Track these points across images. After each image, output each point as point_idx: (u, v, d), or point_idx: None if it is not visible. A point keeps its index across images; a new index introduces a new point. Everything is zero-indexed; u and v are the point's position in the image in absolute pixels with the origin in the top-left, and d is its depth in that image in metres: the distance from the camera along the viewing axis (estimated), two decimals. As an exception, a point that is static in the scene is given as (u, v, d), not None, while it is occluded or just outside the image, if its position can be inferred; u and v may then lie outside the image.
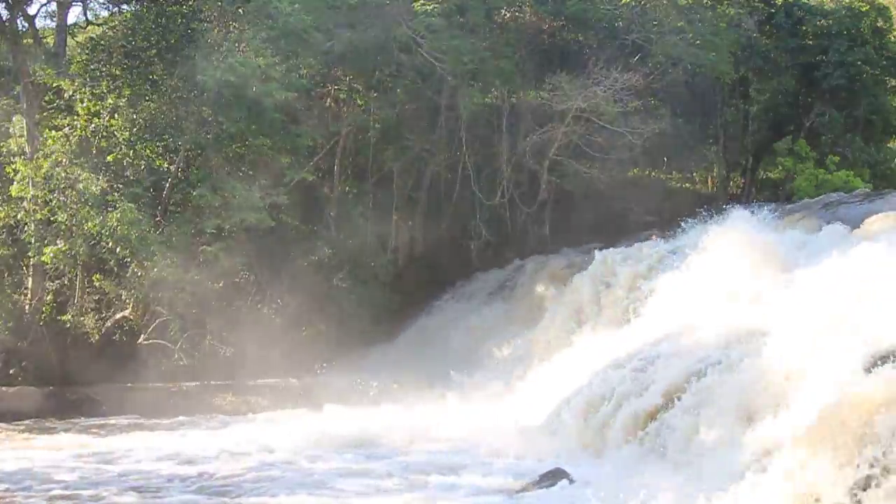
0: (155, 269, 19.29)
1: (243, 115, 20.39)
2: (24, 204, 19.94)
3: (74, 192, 19.35)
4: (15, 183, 19.94)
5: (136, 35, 20.40)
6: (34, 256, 20.01)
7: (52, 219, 19.90)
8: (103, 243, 19.25)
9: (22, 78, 20.54)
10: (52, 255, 19.39)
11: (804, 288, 12.74)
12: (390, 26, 24.49)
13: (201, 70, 19.62)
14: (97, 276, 20.06)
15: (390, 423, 16.76)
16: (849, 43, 30.22)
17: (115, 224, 18.74)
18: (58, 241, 19.53)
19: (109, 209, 19.12)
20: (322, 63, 24.28)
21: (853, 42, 30.30)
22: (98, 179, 19.41)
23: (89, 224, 18.97)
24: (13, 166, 20.11)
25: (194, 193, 19.91)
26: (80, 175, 19.41)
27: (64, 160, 19.71)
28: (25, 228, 20.29)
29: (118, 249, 19.13)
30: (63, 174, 19.47)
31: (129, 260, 19.53)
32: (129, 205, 19.06)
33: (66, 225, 19.45)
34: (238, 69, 19.70)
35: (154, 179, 20.67)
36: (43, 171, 19.54)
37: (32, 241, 19.96)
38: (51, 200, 19.66)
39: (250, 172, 21.16)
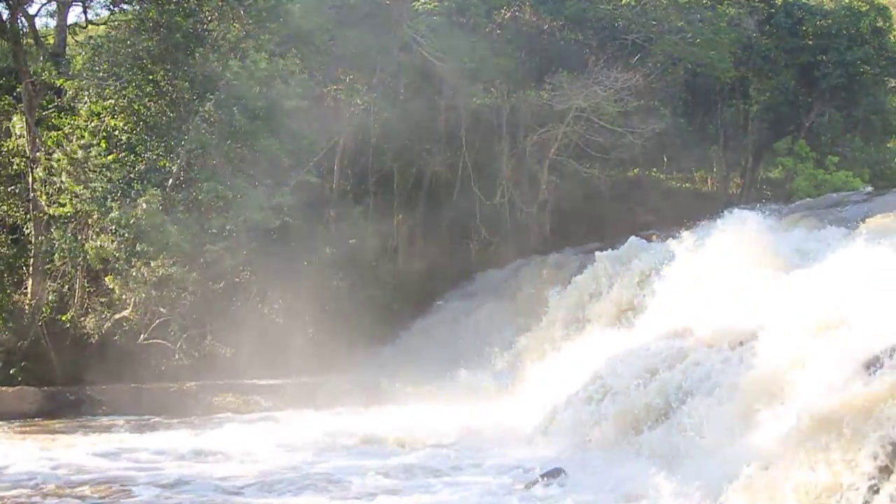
0: (161, 270, 19.30)
1: (251, 114, 20.41)
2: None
3: (96, 186, 19.28)
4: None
5: (139, 34, 20.39)
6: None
7: (71, 211, 19.83)
8: (121, 236, 19.17)
9: (22, 78, 20.53)
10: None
11: (804, 287, 12.75)
12: (391, 26, 24.51)
13: (212, 70, 19.59)
14: (110, 276, 20.01)
15: (390, 422, 16.77)
16: (848, 43, 30.28)
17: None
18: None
19: (129, 200, 19.12)
20: (323, 63, 24.31)
21: (853, 42, 30.36)
22: (118, 170, 19.39)
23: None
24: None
25: (203, 187, 19.88)
26: (106, 162, 19.39)
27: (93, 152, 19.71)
28: (27, 228, 20.29)
29: (138, 245, 19.09)
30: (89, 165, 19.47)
31: (135, 259, 19.52)
32: (154, 191, 19.05)
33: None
34: (254, 69, 19.74)
35: (159, 179, 20.69)
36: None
37: (45, 238, 19.92)
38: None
39: (251, 172, 21.18)
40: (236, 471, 13.18)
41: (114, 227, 19.06)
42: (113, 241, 19.22)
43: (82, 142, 19.90)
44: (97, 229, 19.44)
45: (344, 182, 25.95)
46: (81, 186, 19.43)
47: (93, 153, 19.69)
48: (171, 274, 19.41)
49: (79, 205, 19.45)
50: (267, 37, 21.06)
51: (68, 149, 19.70)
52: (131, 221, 18.71)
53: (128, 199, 19.05)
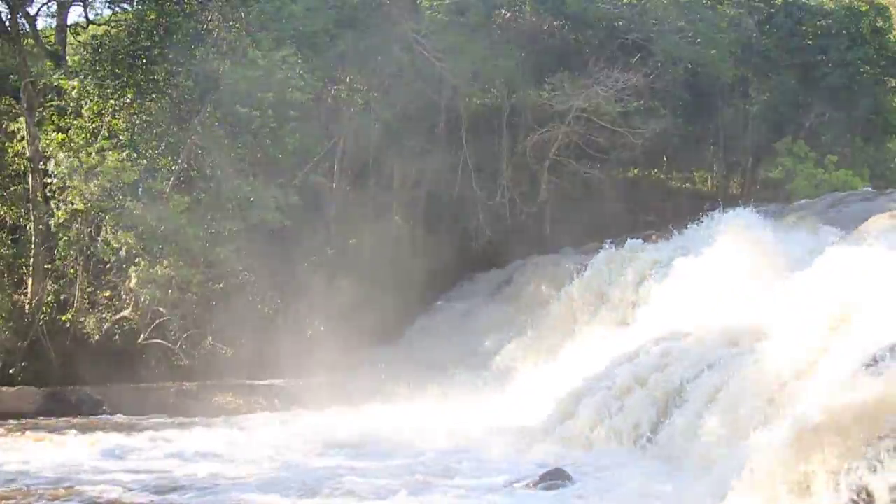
0: (169, 271, 19.29)
1: (257, 112, 20.40)
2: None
3: (102, 185, 19.27)
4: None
5: (139, 34, 20.37)
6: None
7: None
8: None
9: (22, 78, 20.52)
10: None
11: (804, 288, 12.75)
12: (391, 26, 24.51)
13: (213, 68, 19.58)
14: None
15: (390, 423, 16.77)
16: (848, 43, 30.31)
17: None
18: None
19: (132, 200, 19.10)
20: (324, 63, 24.31)
21: (853, 42, 30.39)
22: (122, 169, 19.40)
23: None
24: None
25: (215, 188, 19.81)
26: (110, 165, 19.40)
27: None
28: (28, 228, 20.23)
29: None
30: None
31: (150, 256, 19.50)
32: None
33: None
34: (259, 66, 19.73)
35: (162, 179, 20.67)
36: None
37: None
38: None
39: (255, 172, 21.17)
40: (236, 471, 13.17)
41: (134, 222, 19.05)
42: (131, 239, 19.23)
43: (85, 143, 19.87)
44: (113, 225, 19.41)
45: (344, 182, 25.93)
46: (84, 183, 19.40)
47: (94, 152, 19.66)
48: (178, 275, 19.42)
49: (83, 203, 19.42)
50: (268, 34, 21.03)
51: (73, 150, 19.68)
52: (156, 221, 18.75)
53: (129, 199, 19.04)
